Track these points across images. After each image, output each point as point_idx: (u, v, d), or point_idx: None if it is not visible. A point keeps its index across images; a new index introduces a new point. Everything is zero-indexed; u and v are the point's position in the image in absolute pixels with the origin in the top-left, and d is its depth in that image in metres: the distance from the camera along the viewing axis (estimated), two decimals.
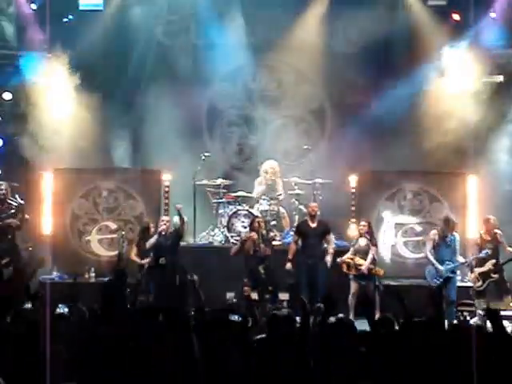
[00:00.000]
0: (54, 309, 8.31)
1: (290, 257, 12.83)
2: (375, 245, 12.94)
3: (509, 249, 12.38)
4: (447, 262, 12.34)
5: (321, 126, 16.31)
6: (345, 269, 12.78)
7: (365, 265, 12.64)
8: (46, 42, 14.74)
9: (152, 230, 13.24)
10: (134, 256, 13.16)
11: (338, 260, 12.82)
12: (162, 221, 13.05)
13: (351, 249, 13.00)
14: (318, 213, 13.14)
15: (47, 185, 14.61)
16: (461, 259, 12.49)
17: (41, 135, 14.61)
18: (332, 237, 13.11)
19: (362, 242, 12.90)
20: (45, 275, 14.05)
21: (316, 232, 12.95)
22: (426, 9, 15.31)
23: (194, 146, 15.43)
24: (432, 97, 14.90)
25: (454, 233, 12.53)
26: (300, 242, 12.96)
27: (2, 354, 6.51)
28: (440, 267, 12.28)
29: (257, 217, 13.47)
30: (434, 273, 12.35)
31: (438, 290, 12.17)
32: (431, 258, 12.42)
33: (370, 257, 12.70)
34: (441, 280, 12.24)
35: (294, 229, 13.75)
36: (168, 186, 14.58)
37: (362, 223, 13.08)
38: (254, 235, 12.76)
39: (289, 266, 12.76)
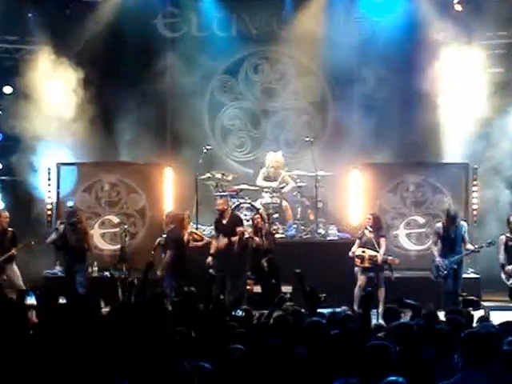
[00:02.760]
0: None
1: (212, 251, 12.47)
2: (384, 236, 12.88)
3: None
4: (452, 254, 12.32)
5: (322, 118, 16.30)
6: (358, 262, 12.73)
7: (379, 255, 12.59)
8: (46, 34, 14.73)
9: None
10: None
11: (350, 254, 12.78)
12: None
13: (357, 241, 12.95)
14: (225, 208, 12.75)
15: (51, 179, 14.56)
16: (470, 247, 12.46)
17: (42, 129, 14.62)
18: (240, 229, 12.65)
19: (369, 234, 12.86)
20: (48, 270, 14.11)
21: (227, 228, 12.59)
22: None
23: (196, 139, 15.42)
24: (434, 88, 14.87)
25: (461, 222, 12.50)
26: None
27: None
28: (443, 260, 12.25)
29: (257, 213, 13.36)
30: (438, 266, 12.31)
31: (440, 282, 12.16)
32: (434, 251, 12.39)
33: (383, 248, 12.65)
34: (445, 272, 12.22)
35: (297, 221, 13.77)
36: (170, 180, 14.56)
37: (368, 216, 13.04)
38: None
39: (209, 259, 12.38)
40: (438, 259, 12.23)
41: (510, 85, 14.83)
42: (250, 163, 15.79)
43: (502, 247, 12.49)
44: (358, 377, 5.42)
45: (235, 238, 12.34)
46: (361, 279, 12.72)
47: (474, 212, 14.36)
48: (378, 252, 12.57)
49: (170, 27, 15.87)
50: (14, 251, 12.93)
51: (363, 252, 12.69)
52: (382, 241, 12.70)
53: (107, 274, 12.72)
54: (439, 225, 12.51)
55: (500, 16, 14.76)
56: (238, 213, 13.43)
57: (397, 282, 13.38)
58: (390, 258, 12.67)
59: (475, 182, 14.44)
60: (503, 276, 12.55)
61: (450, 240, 12.32)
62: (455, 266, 12.32)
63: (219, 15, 15.90)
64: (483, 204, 14.40)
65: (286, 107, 16.39)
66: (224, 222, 12.54)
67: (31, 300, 8.51)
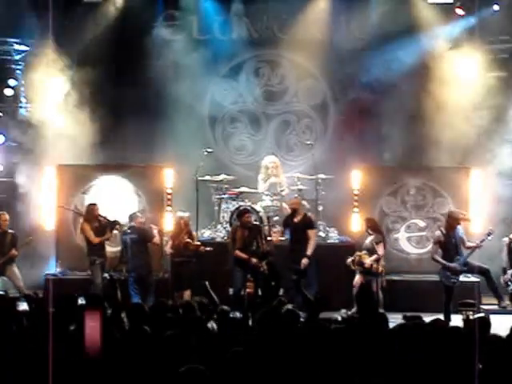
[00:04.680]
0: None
1: None
2: (378, 243, 12.85)
3: None
4: (457, 258, 12.29)
5: (323, 122, 16.29)
6: (352, 266, 12.75)
7: (368, 261, 12.58)
8: (47, 36, 14.72)
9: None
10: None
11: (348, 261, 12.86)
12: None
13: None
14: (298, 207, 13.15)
15: (50, 181, 14.57)
16: (469, 244, 12.42)
17: (42, 131, 14.63)
18: (312, 232, 13.01)
19: (366, 239, 12.89)
20: (48, 271, 14.12)
21: (298, 227, 12.92)
22: (430, 4, 15.29)
23: (197, 141, 15.41)
24: (435, 92, 14.87)
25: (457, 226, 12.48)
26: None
27: None
28: (454, 265, 12.20)
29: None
30: (448, 274, 12.24)
31: (450, 289, 12.11)
32: (441, 260, 12.30)
33: (374, 256, 12.63)
34: (458, 278, 12.19)
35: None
36: (170, 182, 14.53)
37: (364, 221, 13.11)
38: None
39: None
40: (452, 264, 12.17)
41: None
42: (250, 166, 15.76)
43: (505, 249, 12.48)
44: None
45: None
46: (356, 279, 12.74)
47: (475, 216, 14.31)
48: (370, 257, 12.57)
49: (171, 30, 15.84)
50: (14, 251, 12.94)
51: (359, 256, 12.73)
52: (376, 247, 12.70)
53: (106, 275, 12.73)
54: (438, 233, 12.47)
55: (502, 20, 14.78)
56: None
57: (398, 285, 13.43)
58: (375, 265, 12.62)
59: (476, 186, 14.41)
60: (502, 281, 12.54)
61: (452, 244, 12.30)
62: (464, 268, 12.31)
63: (220, 18, 15.91)
64: (484, 208, 14.37)
65: (287, 110, 16.39)
66: (295, 220, 12.94)
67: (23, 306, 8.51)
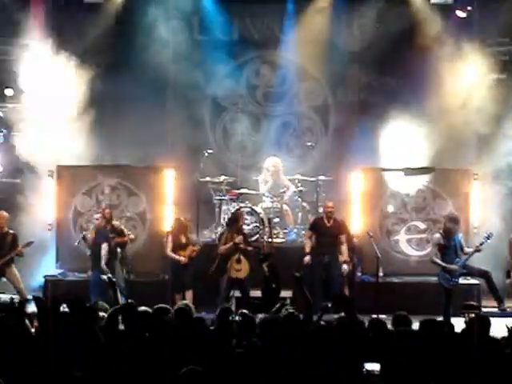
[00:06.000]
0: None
1: (307, 250, 12.87)
2: None
3: None
4: (456, 260, 12.28)
5: (324, 123, 16.29)
6: None
7: None
8: (47, 36, 14.74)
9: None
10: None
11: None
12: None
13: None
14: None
15: (51, 182, 14.56)
16: (467, 250, 12.41)
17: (43, 132, 14.62)
18: (344, 237, 13.10)
19: None
20: (48, 273, 14.11)
21: (331, 231, 12.93)
22: (430, 5, 15.29)
23: (197, 142, 15.41)
24: (435, 93, 14.86)
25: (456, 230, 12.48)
26: (314, 240, 13.00)
27: None
28: (453, 267, 12.18)
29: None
30: (447, 276, 12.22)
31: (450, 291, 12.11)
32: (440, 261, 12.28)
33: None
34: (457, 280, 12.17)
35: (297, 226, 13.85)
36: (171, 183, 14.53)
37: None
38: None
39: (307, 258, 12.79)
40: (451, 266, 12.14)
41: None
42: (250, 167, 15.77)
43: None
44: None
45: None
46: None
47: (475, 218, 14.31)
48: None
49: (172, 30, 15.83)
50: (21, 249, 12.90)
51: None
52: None
53: (105, 277, 12.69)
54: (438, 236, 12.46)
55: (502, 23, 14.79)
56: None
57: (398, 287, 13.43)
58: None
59: (476, 188, 14.41)
60: (508, 283, 12.47)
61: (451, 247, 12.29)
62: (464, 270, 12.30)
63: (221, 19, 15.91)
64: (484, 210, 14.37)
65: (288, 111, 16.39)
66: (328, 224, 12.93)
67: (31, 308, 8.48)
